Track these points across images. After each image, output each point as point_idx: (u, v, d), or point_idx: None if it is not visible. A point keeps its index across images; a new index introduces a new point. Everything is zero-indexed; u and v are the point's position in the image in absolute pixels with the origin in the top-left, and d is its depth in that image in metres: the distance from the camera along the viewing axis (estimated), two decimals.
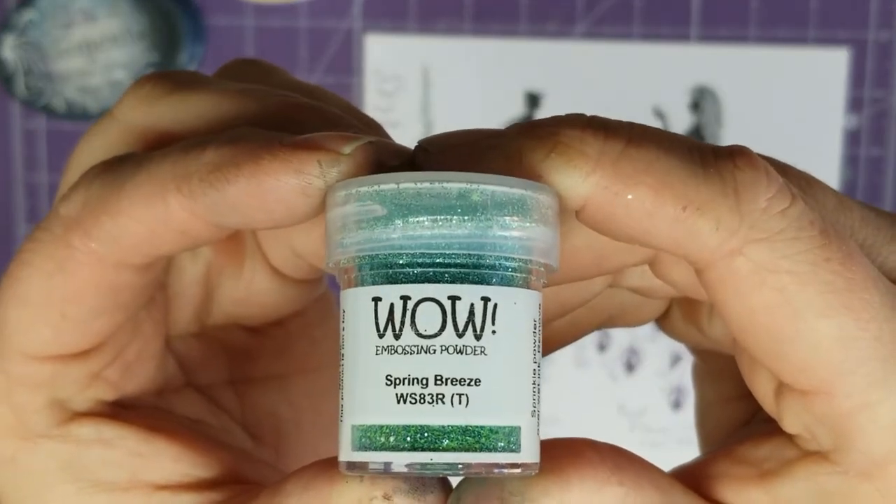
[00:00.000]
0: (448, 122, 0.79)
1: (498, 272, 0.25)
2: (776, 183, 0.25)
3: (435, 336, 0.24)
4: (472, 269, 0.24)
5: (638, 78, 0.78)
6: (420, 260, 0.24)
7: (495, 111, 0.79)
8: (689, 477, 0.29)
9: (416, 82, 0.79)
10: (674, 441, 0.79)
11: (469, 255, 0.24)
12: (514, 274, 0.25)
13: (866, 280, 0.26)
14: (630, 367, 0.82)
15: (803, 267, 0.25)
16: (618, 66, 0.78)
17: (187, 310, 0.32)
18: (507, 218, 0.25)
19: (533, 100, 0.78)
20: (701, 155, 0.26)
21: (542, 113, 0.78)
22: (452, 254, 0.24)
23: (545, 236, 0.25)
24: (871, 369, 0.26)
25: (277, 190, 0.26)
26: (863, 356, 0.25)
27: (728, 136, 0.78)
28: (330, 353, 0.36)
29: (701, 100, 0.78)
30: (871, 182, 0.78)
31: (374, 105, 0.79)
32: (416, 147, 0.27)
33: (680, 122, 0.78)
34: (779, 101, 0.78)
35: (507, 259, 0.25)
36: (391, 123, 0.79)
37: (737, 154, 0.26)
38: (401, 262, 0.24)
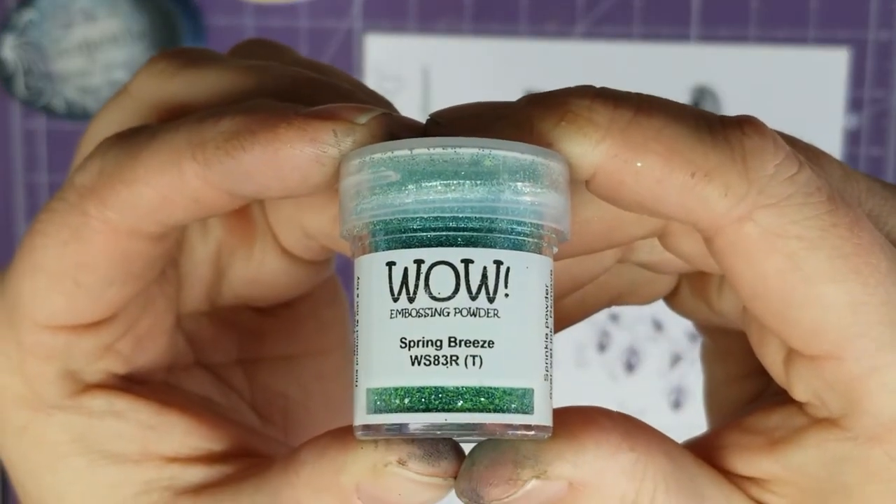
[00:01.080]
0: None
1: (510, 236, 0.25)
2: (783, 150, 0.26)
3: (448, 299, 0.24)
4: (484, 233, 0.25)
5: (638, 78, 0.78)
6: (433, 224, 0.25)
7: None
8: (700, 448, 0.29)
9: (416, 82, 0.79)
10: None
11: (481, 218, 0.25)
12: (525, 238, 0.25)
13: (873, 245, 0.26)
14: (630, 367, 0.82)
15: (812, 232, 0.25)
16: (618, 66, 0.78)
17: (198, 289, 0.32)
18: (519, 183, 0.25)
19: None
20: (709, 123, 0.26)
21: None
22: (465, 217, 0.25)
23: (556, 202, 0.25)
24: (879, 333, 0.26)
25: (292, 158, 0.26)
26: (871, 320, 0.26)
27: None
28: (338, 336, 0.36)
29: (701, 100, 0.78)
30: None
31: None
32: (428, 120, 0.27)
33: None
34: (779, 101, 0.78)
35: (518, 223, 0.25)
36: None
37: (744, 122, 0.26)
38: (414, 226, 0.25)
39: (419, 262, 0.25)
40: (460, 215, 0.24)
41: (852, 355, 0.26)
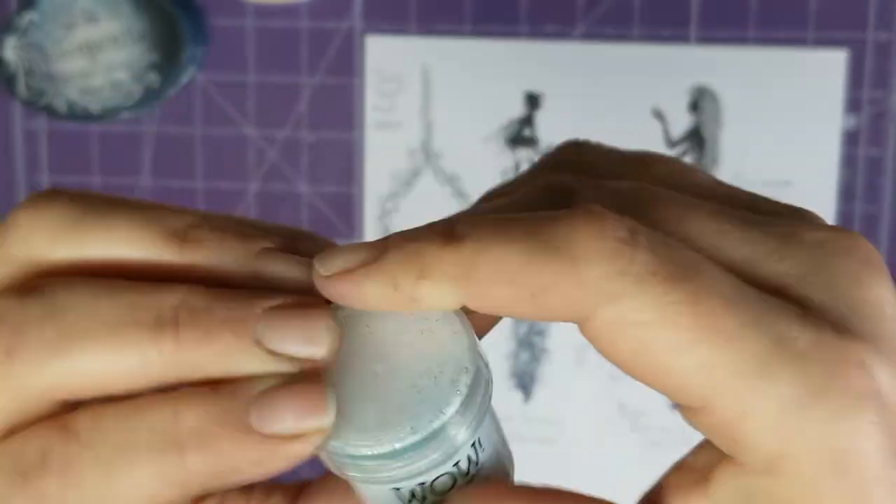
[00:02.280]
0: (448, 122, 0.80)
1: (470, 440, 0.30)
2: (611, 246, 0.27)
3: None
4: (446, 458, 0.29)
5: (637, 79, 0.78)
6: (415, 471, 0.29)
7: (495, 111, 0.79)
8: (657, 489, 0.31)
9: (417, 83, 0.80)
10: (674, 441, 0.79)
11: (445, 455, 0.29)
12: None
13: (716, 309, 0.27)
14: None
15: (650, 315, 0.27)
16: (617, 67, 0.78)
17: None
18: (458, 416, 0.29)
19: (533, 100, 0.79)
20: (541, 239, 0.28)
21: (542, 113, 0.78)
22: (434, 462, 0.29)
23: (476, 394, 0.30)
24: (737, 386, 0.27)
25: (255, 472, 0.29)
26: (727, 376, 0.27)
27: (727, 137, 0.78)
28: None
29: (700, 100, 0.79)
30: (869, 182, 0.78)
31: (374, 105, 0.80)
32: (314, 264, 0.29)
33: (679, 123, 0.79)
34: (778, 102, 0.78)
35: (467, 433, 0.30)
36: (392, 124, 0.80)
37: (576, 223, 0.28)
38: (401, 475, 0.29)
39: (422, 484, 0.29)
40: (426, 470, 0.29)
41: (718, 407, 0.28)
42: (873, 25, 0.77)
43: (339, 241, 0.31)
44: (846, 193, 0.78)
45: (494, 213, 0.30)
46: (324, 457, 0.30)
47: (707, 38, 0.78)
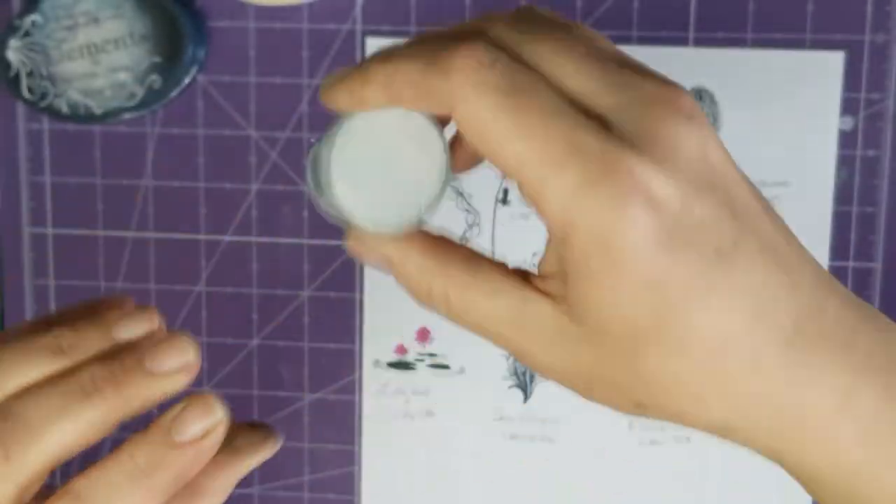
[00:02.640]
0: None
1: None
2: (473, 66, 0.38)
3: None
4: None
5: None
6: None
7: None
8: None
9: None
10: (672, 440, 0.80)
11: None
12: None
13: (532, 117, 0.38)
14: None
15: (487, 115, 0.38)
16: None
17: None
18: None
19: None
20: (437, 58, 0.39)
21: None
22: None
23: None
24: (537, 171, 0.38)
25: None
26: (532, 164, 0.38)
27: (725, 138, 0.79)
28: None
29: (699, 101, 0.79)
30: (866, 183, 0.78)
31: None
32: (323, 82, 0.44)
33: None
34: (776, 103, 0.78)
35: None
36: None
37: (459, 48, 0.39)
38: None
39: None
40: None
41: (526, 185, 0.38)
42: (870, 27, 0.77)
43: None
44: (843, 193, 0.78)
45: (423, 41, 0.41)
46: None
47: (705, 41, 0.78)
